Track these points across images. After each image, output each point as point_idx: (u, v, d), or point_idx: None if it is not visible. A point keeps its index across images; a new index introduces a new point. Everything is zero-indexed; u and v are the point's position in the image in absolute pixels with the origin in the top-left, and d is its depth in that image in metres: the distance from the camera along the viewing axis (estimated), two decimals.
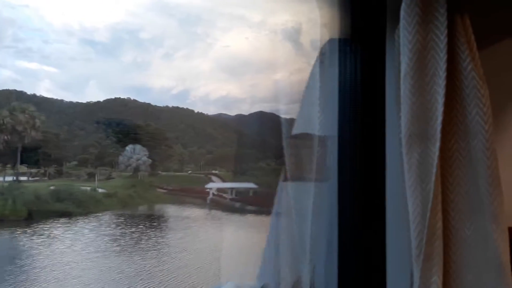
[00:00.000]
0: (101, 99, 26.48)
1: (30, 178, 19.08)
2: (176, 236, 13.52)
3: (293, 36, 0.92)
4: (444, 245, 0.68)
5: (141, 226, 14.39)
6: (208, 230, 14.16)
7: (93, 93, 27.56)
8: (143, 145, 20.81)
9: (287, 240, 0.85)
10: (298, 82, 0.91)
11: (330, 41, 0.85)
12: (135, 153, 20.65)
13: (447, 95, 0.67)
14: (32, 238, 12.41)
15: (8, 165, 18.55)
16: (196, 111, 27.35)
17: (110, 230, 13.85)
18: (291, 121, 0.89)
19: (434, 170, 0.66)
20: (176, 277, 9.89)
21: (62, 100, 25.84)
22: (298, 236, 0.82)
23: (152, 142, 21.55)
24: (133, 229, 13.98)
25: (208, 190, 18.10)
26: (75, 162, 21.37)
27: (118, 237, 13.06)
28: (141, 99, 27.93)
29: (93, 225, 14.08)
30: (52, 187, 16.07)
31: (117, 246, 12.16)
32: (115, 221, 14.96)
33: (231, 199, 16.66)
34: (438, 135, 0.67)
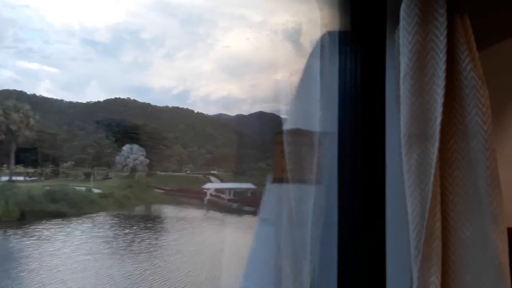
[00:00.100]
0: (101, 99, 26.63)
1: (27, 178, 19.05)
2: (170, 238, 13.35)
3: (294, 36, 0.92)
4: (443, 245, 0.68)
5: (135, 228, 14.20)
6: (204, 232, 14.07)
7: (93, 93, 27.76)
8: (141, 145, 20.75)
9: (287, 241, 0.83)
10: None
11: (329, 33, 0.84)
12: (132, 153, 20.59)
13: (446, 95, 0.67)
14: (23, 239, 12.21)
15: (4, 165, 18.48)
16: (196, 111, 27.44)
17: (103, 231, 13.66)
18: (301, 131, 0.89)
19: (433, 171, 0.66)
20: (167, 280, 9.65)
21: (62, 100, 26.08)
22: (299, 237, 0.81)
23: (150, 142, 21.54)
24: (127, 231, 13.80)
25: (205, 190, 17.95)
26: (72, 162, 21.37)
27: (111, 239, 12.89)
28: (141, 99, 28.06)
29: (87, 227, 13.91)
30: (47, 188, 15.94)
31: (108, 248, 11.93)
32: (109, 222, 14.79)
33: (229, 200, 16.50)
34: (437, 135, 0.67)
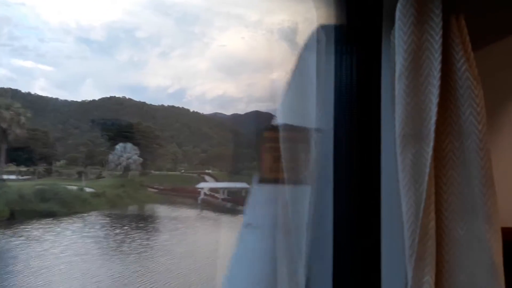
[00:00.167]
0: (97, 98, 26.43)
1: (20, 177, 18.76)
2: (162, 238, 13.19)
3: (290, 36, 0.92)
4: (437, 245, 0.68)
5: (126, 228, 13.99)
6: (196, 232, 13.90)
7: (89, 92, 27.49)
8: (135, 144, 20.58)
9: (282, 243, 0.81)
10: None
11: (326, 34, 0.83)
12: (125, 151, 20.42)
13: (441, 95, 0.67)
14: (11, 239, 11.94)
15: None
16: (191, 110, 27.36)
17: (93, 231, 13.42)
18: (294, 127, 0.85)
19: (427, 170, 0.66)
20: (155, 282, 9.51)
21: (57, 99, 25.87)
22: (294, 238, 0.79)
23: (143, 140, 21.39)
24: (118, 231, 13.58)
25: (199, 190, 17.87)
26: (64, 161, 21.12)
27: (101, 239, 12.67)
28: (136, 98, 27.93)
29: (77, 226, 13.68)
30: (38, 187, 15.68)
31: (98, 249, 11.71)
32: (100, 222, 14.57)
33: (223, 199, 16.45)
34: (432, 135, 0.67)
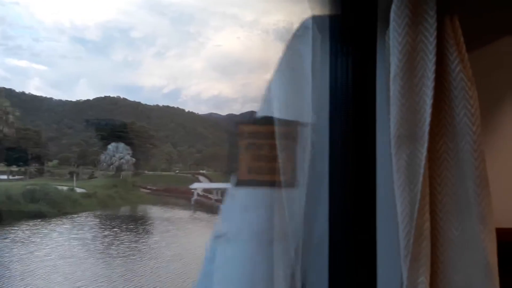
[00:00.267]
0: (91, 98, 26.22)
1: (11, 177, 18.44)
2: (152, 241, 12.94)
3: (285, 36, 0.91)
4: (432, 245, 0.68)
5: (116, 229, 13.75)
6: (188, 234, 13.61)
7: (83, 92, 27.28)
8: (127, 144, 20.41)
9: (280, 242, 0.77)
10: None
11: (319, 27, 0.81)
12: (118, 151, 20.24)
13: (435, 96, 0.67)
14: None
15: None
16: (187, 110, 27.28)
17: (82, 233, 13.17)
18: (283, 122, 0.80)
19: (422, 171, 0.66)
20: (141, 287, 9.27)
21: (51, 98, 25.64)
22: (291, 238, 0.77)
23: (136, 140, 21.23)
24: (106, 233, 13.34)
25: (193, 190, 17.77)
26: (56, 161, 20.85)
27: (88, 242, 12.42)
28: (131, 97, 27.81)
29: (65, 228, 13.39)
30: (27, 187, 15.40)
31: (84, 251, 11.40)
32: (89, 223, 14.32)
33: (216, 200, 16.37)
34: (426, 136, 0.67)
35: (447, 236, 0.68)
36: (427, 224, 0.67)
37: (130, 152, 20.24)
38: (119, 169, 19.93)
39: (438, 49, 0.67)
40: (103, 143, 20.69)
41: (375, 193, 0.79)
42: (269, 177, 0.77)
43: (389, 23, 0.69)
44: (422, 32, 0.68)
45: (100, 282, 9.44)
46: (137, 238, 13.10)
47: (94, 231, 13.56)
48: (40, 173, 19.64)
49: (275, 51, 0.93)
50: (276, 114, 0.77)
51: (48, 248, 11.33)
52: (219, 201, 16.27)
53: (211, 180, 20.24)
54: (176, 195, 18.19)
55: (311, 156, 0.80)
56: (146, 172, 21.34)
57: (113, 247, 11.95)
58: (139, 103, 25.78)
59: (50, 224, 13.42)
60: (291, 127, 0.78)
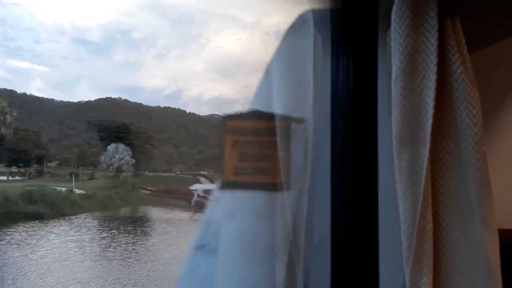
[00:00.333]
0: (92, 99, 26.33)
1: (10, 178, 18.43)
2: (149, 243, 12.82)
3: None
4: (434, 247, 0.68)
5: (114, 231, 13.65)
6: (187, 235, 13.47)
7: (85, 93, 27.38)
8: (127, 145, 20.42)
9: (281, 242, 0.75)
10: None
11: (320, 29, 0.79)
12: (117, 152, 20.25)
13: (437, 97, 0.67)
14: None
15: None
16: (188, 111, 27.35)
17: (78, 235, 13.05)
18: (276, 116, 0.75)
19: (424, 172, 0.66)
20: None
21: (52, 99, 25.80)
22: (293, 238, 0.74)
23: (136, 141, 21.24)
24: (104, 234, 13.24)
25: (193, 191, 17.73)
26: (56, 162, 20.86)
27: (85, 244, 12.30)
28: (132, 99, 27.92)
29: (62, 230, 13.27)
30: (26, 188, 15.34)
31: (80, 254, 11.22)
32: (87, 224, 14.22)
33: None
34: (428, 137, 0.67)
35: (449, 237, 0.68)
36: (430, 226, 0.67)
37: (130, 153, 20.23)
38: (119, 170, 19.92)
39: (440, 51, 0.67)
40: (103, 144, 20.69)
41: (377, 194, 0.79)
42: (258, 178, 0.70)
43: (390, 24, 0.69)
44: (424, 34, 0.68)
45: (94, 285, 9.31)
46: (135, 240, 13.00)
47: (92, 233, 13.44)
48: (40, 174, 19.63)
49: None
50: (269, 108, 0.70)
51: (44, 250, 11.14)
52: None
53: (212, 181, 20.22)
54: (176, 196, 18.17)
55: (312, 157, 0.79)
56: (146, 173, 21.33)
57: (110, 249, 11.79)
58: (140, 104, 25.86)
59: (47, 225, 13.30)
60: (285, 123, 0.71)
